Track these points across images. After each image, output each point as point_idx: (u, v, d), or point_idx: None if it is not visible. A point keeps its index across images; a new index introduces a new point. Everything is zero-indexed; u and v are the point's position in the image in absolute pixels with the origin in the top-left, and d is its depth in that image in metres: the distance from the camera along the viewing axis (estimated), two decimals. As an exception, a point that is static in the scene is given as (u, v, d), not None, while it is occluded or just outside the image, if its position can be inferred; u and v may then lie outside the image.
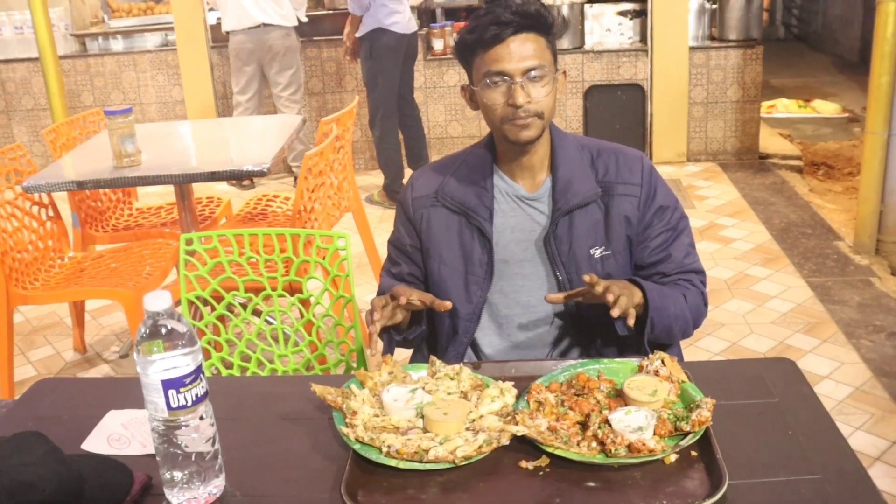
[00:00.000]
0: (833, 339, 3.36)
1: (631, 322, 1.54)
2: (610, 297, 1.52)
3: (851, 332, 3.40)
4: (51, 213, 3.32)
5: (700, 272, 1.79)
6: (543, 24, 1.64)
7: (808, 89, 7.72)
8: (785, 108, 6.92)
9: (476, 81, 1.69)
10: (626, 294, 1.56)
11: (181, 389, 1.24)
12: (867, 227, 4.17)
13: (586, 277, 1.55)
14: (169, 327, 1.24)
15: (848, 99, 7.05)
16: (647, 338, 1.67)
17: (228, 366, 2.16)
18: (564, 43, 5.63)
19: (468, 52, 1.68)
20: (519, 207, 1.77)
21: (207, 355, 2.12)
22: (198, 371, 1.26)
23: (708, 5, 5.65)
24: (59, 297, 3.20)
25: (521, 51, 1.62)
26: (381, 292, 1.81)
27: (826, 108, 6.88)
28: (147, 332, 1.23)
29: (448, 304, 1.65)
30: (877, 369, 3.12)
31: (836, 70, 8.51)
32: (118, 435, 1.48)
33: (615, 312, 1.51)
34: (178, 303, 2.16)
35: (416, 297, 1.64)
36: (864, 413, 2.87)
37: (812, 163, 5.73)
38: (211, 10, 5.91)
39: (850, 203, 4.74)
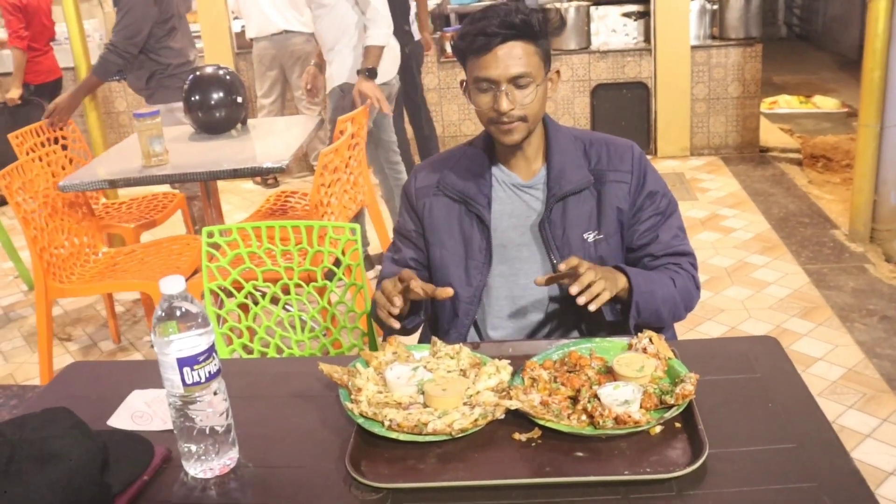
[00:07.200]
0: (828, 322, 3.44)
1: (593, 307, 1.58)
2: (578, 286, 1.57)
3: (845, 316, 3.48)
4: (85, 212, 3.46)
5: (688, 254, 1.84)
6: (530, 32, 1.71)
7: (809, 86, 7.75)
8: (787, 104, 7.03)
9: (469, 83, 1.78)
10: (607, 279, 1.62)
11: (195, 367, 1.33)
12: (861, 216, 4.23)
13: (574, 260, 1.62)
14: (183, 309, 1.33)
15: (847, 95, 7.09)
16: (632, 321, 1.72)
17: (249, 351, 2.26)
18: (571, 44, 5.79)
19: (461, 55, 1.77)
20: (515, 195, 1.85)
21: (229, 341, 2.23)
22: (210, 350, 1.35)
23: (709, 6, 5.74)
24: (94, 289, 3.36)
25: (507, 59, 1.69)
26: (382, 278, 1.88)
27: (826, 103, 6.97)
28: (163, 313, 1.33)
29: (450, 291, 1.69)
30: (869, 351, 3.21)
31: (836, 67, 8.54)
32: (141, 412, 1.58)
33: (581, 300, 1.57)
34: (202, 294, 2.27)
35: (419, 286, 1.67)
36: (857, 393, 2.94)
37: (811, 155, 5.79)
38: (236, 18, 6.07)
39: (847, 193, 4.79)
